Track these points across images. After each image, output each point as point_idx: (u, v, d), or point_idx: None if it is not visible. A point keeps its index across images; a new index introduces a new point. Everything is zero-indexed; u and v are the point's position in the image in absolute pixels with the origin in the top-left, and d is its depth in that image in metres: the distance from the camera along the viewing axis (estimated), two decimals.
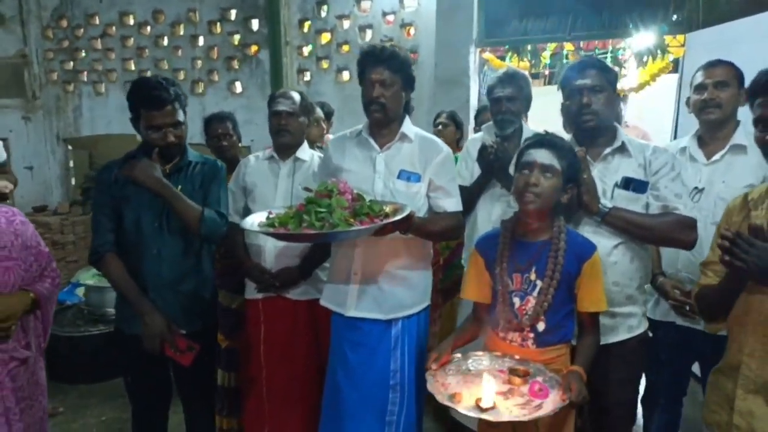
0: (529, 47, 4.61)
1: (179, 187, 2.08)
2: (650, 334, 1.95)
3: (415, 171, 2.05)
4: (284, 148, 2.47)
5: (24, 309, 1.85)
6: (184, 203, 2.04)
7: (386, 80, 1.98)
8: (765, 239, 1.30)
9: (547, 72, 6.12)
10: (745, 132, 2.04)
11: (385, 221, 1.76)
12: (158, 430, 2.33)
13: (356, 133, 2.15)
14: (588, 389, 1.58)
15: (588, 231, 1.85)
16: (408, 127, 2.10)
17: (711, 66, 2.09)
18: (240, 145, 3.08)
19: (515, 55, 4.82)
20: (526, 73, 2.48)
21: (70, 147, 5.66)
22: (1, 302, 1.76)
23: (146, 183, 1.99)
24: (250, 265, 2.40)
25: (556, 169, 1.66)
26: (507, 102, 2.37)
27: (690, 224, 1.80)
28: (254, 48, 4.93)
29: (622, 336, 1.87)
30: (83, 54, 5.48)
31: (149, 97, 1.99)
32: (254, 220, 1.91)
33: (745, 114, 2.08)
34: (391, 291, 2.06)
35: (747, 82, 2.06)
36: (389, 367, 2.06)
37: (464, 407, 1.50)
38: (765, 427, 1.41)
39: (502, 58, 5.05)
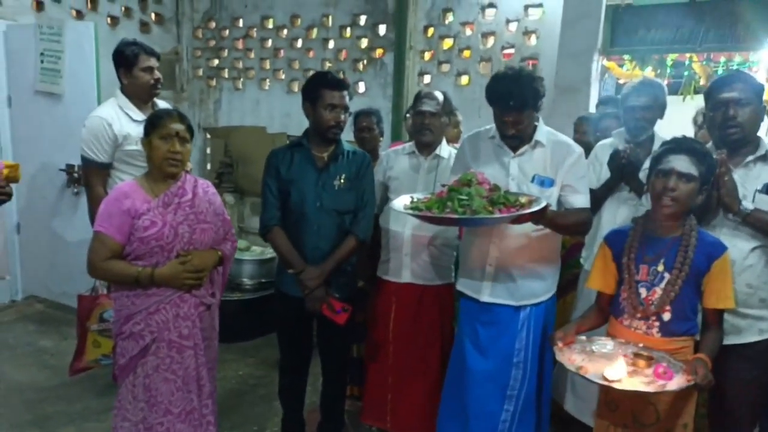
0: (655, 57, 4.57)
1: (340, 174, 2.42)
2: None
3: (548, 175, 2.20)
4: (425, 146, 2.73)
5: (213, 264, 2.25)
6: (344, 256, 2.44)
7: (523, 119, 2.11)
8: None
9: (667, 81, 5.97)
10: None
11: (522, 211, 1.92)
12: (300, 383, 2.70)
13: (489, 135, 2.32)
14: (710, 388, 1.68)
15: (725, 234, 1.92)
16: (541, 133, 2.24)
17: None
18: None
19: (636, 63, 4.80)
20: (662, 82, 2.56)
21: (208, 135, 6.32)
22: (200, 256, 2.17)
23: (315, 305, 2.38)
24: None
25: (694, 176, 1.76)
26: (642, 110, 2.48)
27: None
28: (379, 51, 5.28)
29: (751, 338, 1.93)
30: (226, 53, 6.10)
31: (334, 80, 2.39)
32: (400, 204, 2.17)
33: None
34: (523, 281, 2.25)
35: None
36: (515, 345, 2.25)
37: (592, 376, 1.67)
38: None
39: (621, 66, 5.04)
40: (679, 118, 3.80)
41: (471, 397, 2.30)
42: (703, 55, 4.61)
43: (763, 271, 1.92)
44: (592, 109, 4.33)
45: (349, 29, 5.40)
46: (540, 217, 2.00)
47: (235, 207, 5.80)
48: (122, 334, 2.14)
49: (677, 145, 1.83)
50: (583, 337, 1.94)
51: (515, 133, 2.15)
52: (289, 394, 2.69)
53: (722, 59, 4.81)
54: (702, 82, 4.77)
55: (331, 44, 5.52)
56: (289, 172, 2.45)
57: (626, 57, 4.81)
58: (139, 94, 2.92)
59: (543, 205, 1.95)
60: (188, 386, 2.18)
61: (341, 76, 5.42)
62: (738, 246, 1.90)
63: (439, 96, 2.70)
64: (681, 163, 1.78)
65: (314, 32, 5.55)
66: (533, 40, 4.54)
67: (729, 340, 1.90)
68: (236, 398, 3.36)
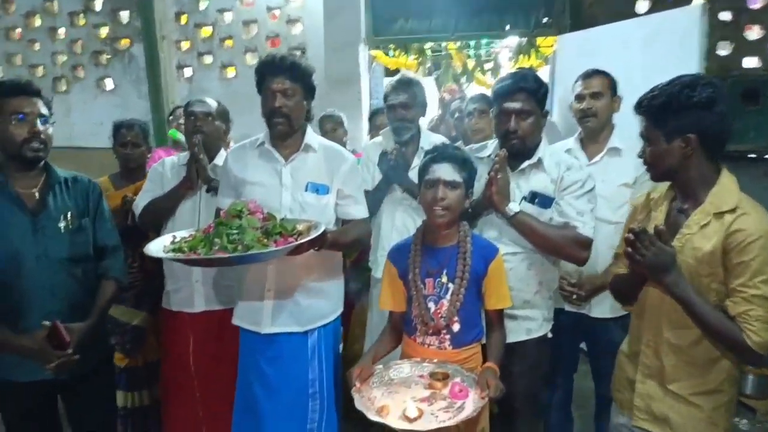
0: (416, 45, 4.74)
1: (65, 212, 1.90)
2: (550, 335, 2.11)
3: (322, 182, 2.05)
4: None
5: None
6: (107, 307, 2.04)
7: (288, 90, 1.96)
8: (665, 242, 1.44)
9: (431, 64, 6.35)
10: (619, 136, 2.28)
11: (300, 240, 1.74)
12: None
13: (257, 144, 2.09)
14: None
15: (490, 237, 1.95)
16: (311, 137, 2.10)
17: (587, 77, 2.30)
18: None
19: (402, 52, 4.94)
20: (420, 79, 2.55)
21: None
22: None
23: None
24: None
25: (459, 182, 1.77)
26: (402, 109, 2.44)
27: (584, 243, 1.91)
28: (125, 41, 4.55)
29: (518, 337, 1.99)
30: None
31: (11, 85, 1.85)
32: (159, 246, 1.80)
33: (619, 118, 2.34)
34: (308, 303, 2.07)
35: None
36: (308, 376, 2.07)
37: (394, 421, 1.54)
38: (660, 407, 1.57)
39: (388, 53, 5.16)
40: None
41: None
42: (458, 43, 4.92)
43: (525, 274, 1.95)
44: (366, 100, 4.33)
45: (82, 16, 4.53)
46: (321, 242, 1.84)
47: None
48: None
49: (439, 154, 1.81)
50: (380, 366, 1.82)
51: (281, 107, 1.95)
52: None
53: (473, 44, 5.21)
54: (459, 70, 5.11)
55: (62, 33, 4.59)
56: None
57: (391, 46, 4.93)
58: None
59: (321, 230, 1.78)
60: None
61: (80, 71, 4.57)
62: (501, 250, 1.94)
63: (211, 101, 2.41)
64: (445, 171, 1.75)
65: (36, 20, 4.55)
66: (299, 28, 4.33)
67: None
68: None
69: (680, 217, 1.55)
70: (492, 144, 2.12)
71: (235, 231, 1.72)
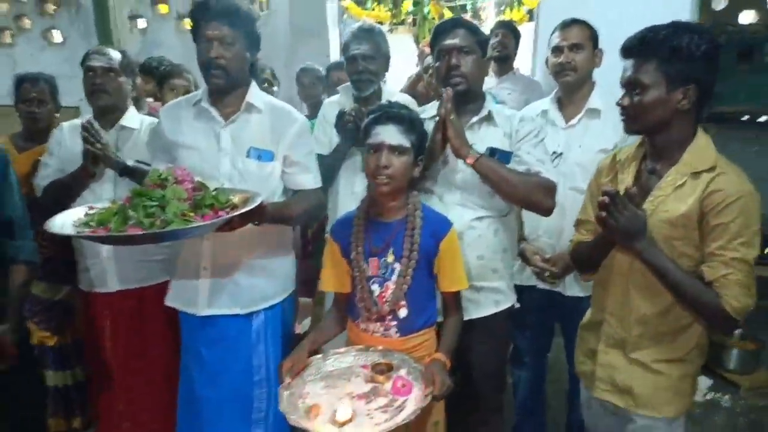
0: None
1: None
2: (517, 305, 1.93)
3: (266, 148, 1.83)
4: (101, 113, 2.09)
5: None
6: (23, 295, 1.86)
7: (225, 37, 1.71)
8: (637, 205, 1.35)
9: (410, 19, 5.97)
10: (599, 95, 2.04)
11: (230, 214, 1.52)
12: None
13: (194, 101, 1.85)
14: (455, 365, 1.57)
15: (451, 203, 1.77)
16: (255, 95, 1.85)
17: (566, 27, 2.05)
18: (61, 108, 2.54)
19: (375, 2, 4.58)
20: (383, 28, 2.26)
21: None
22: None
23: None
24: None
25: (406, 147, 1.55)
26: (363, 60, 2.16)
27: (551, 188, 1.74)
28: None
29: (488, 311, 1.82)
30: None
31: None
32: (66, 219, 1.56)
33: (599, 75, 2.10)
34: (250, 283, 1.87)
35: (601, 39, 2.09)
36: (252, 362, 1.90)
37: (320, 424, 1.34)
38: (624, 378, 1.50)
39: (361, 6, 4.79)
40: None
41: (211, 431, 1.89)
42: None
43: (492, 241, 1.78)
44: (336, 56, 4.01)
45: None
46: (259, 215, 1.65)
47: None
48: None
49: (383, 115, 1.57)
50: (319, 356, 1.62)
51: (218, 58, 1.71)
52: None
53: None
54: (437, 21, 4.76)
55: None
56: None
57: None
58: None
59: (257, 202, 1.57)
60: None
61: (26, 21, 4.21)
62: (465, 216, 1.74)
63: (113, 53, 2.10)
64: (390, 134, 1.53)
65: None
66: None
67: (470, 315, 1.77)
68: None
69: (651, 179, 1.46)
70: (431, 106, 1.91)
71: (155, 203, 1.48)
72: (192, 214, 1.50)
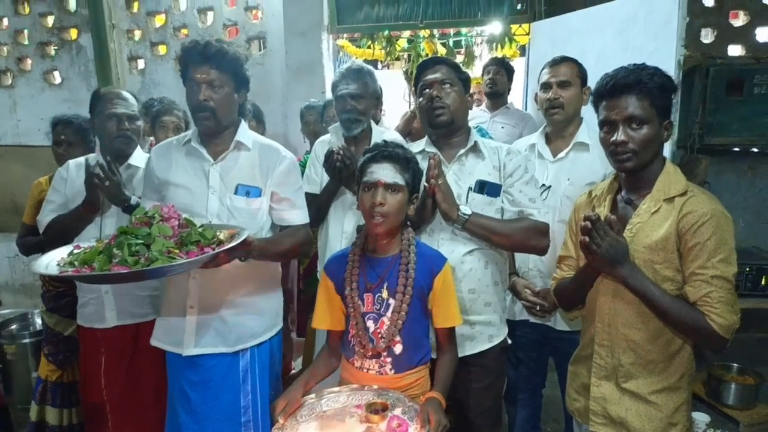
0: (385, 33, 4.46)
1: None
2: (509, 341, 1.90)
3: (254, 184, 1.83)
4: (119, 155, 2.14)
5: None
6: None
7: (214, 81, 1.73)
8: (617, 232, 1.39)
9: (406, 55, 6.07)
10: (588, 130, 2.05)
11: (216, 251, 1.51)
12: None
13: (184, 141, 1.86)
14: (450, 402, 1.54)
15: (444, 239, 1.76)
16: (244, 133, 1.86)
17: (555, 64, 2.09)
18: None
19: (370, 41, 4.67)
20: (371, 68, 2.29)
21: None
22: None
23: None
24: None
25: (401, 185, 1.55)
26: (352, 99, 2.18)
27: (543, 230, 1.76)
28: (73, 32, 4.25)
29: (482, 347, 1.79)
30: None
31: None
32: (52, 259, 1.56)
33: (587, 112, 2.12)
34: (237, 321, 1.84)
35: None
36: (239, 403, 1.85)
37: None
38: (617, 410, 1.51)
39: (356, 44, 4.88)
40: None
41: None
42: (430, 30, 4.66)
43: (483, 274, 1.76)
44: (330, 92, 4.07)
45: (26, 4, 4.22)
46: (245, 251, 1.64)
47: None
48: None
49: (378, 153, 1.58)
50: (312, 396, 1.58)
51: (207, 100, 1.73)
52: None
53: (450, 33, 4.96)
54: None
55: (5, 22, 4.27)
56: None
57: (361, 36, 4.66)
58: None
59: (243, 237, 1.56)
60: None
61: (27, 62, 4.27)
62: (456, 251, 1.73)
63: (129, 97, 2.14)
64: (386, 173, 1.54)
65: None
66: (258, 16, 4.06)
67: (464, 351, 1.75)
68: None
69: (627, 209, 1.51)
70: (417, 144, 1.92)
71: (140, 241, 1.48)
72: (177, 251, 1.49)
